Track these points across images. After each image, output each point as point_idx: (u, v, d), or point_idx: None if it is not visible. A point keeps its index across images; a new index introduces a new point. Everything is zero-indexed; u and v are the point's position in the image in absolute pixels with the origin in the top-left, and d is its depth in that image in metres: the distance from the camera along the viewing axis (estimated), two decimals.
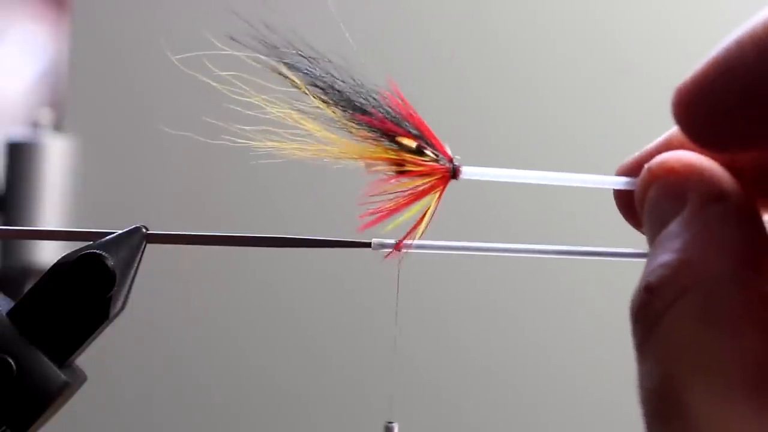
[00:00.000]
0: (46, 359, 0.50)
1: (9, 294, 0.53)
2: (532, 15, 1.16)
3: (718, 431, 0.35)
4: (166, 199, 1.18)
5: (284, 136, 0.50)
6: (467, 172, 0.50)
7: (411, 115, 0.50)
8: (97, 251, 0.51)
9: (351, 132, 0.50)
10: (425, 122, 0.50)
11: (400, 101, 0.50)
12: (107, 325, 0.51)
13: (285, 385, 1.16)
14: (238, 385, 1.16)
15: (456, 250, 0.51)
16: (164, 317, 1.17)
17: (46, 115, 1.21)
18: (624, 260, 0.51)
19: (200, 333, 1.17)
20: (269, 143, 0.50)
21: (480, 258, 1.07)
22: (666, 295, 0.38)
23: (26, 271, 1.18)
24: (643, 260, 0.48)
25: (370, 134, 0.50)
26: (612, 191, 0.46)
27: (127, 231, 0.52)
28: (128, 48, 1.19)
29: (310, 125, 0.50)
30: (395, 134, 0.50)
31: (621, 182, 0.46)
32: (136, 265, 0.52)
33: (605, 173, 0.47)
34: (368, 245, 0.52)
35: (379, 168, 0.50)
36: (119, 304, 0.51)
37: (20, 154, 1.20)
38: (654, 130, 0.46)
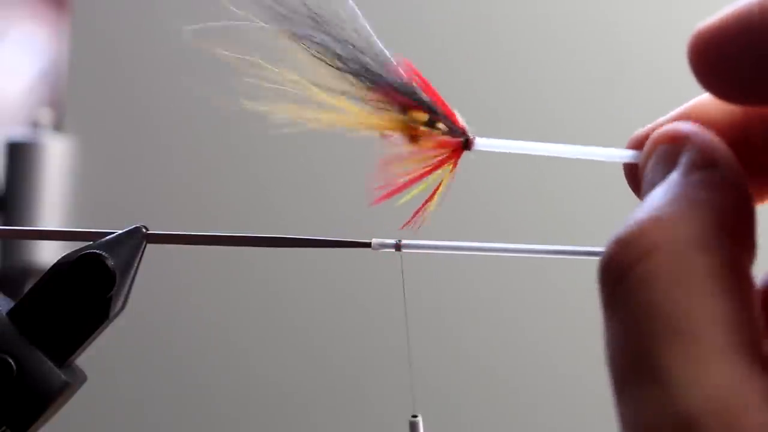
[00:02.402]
0: (46, 359, 0.50)
1: (9, 294, 0.53)
2: None
3: (696, 394, 0.35)
4: (166, 199, 1.18)
5: (298, 105, 0.50)
6: (480, 143, 0.49)
7: (424, 86, 0.50)
8: (97, 251, 0.51)
9: (365, 103, 0.50)
10: (438, 93, 0.49)
11: (412, 73, 0.50)
12: (107, 325, 0.51)
13: (281, 385, 1.16)
14: (237, 385, 1.16)
15: (456, 250, 0.51)
16: (164, 317, 1.17)
17: (46, 115, 1.21)
18: None
19: (200, 333, 1.17)
20: (283, 111, 0.50)
21: (481, 258, 1.07)
22: (635, 249, 0.38)
23: (26, 271, 1.18)
24: None
25: (383, 105, 0.50)
26: (622, 167, 0.47)
27: (127, 231, 0.52)
28: (128, 48, 1.19)
29: (325, 95, 0.50)
30: (408, 106, 0.50)
31: (629, 155, 0.46)
32: (136, 265, 0.52)
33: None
34: (368, 245, 0.52)
35: (392, 139, 0.50)
36: (119, 304, 0.51)
37: (20, 154, 1.20)
38: (666, 106, 0.46)
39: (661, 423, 0.35)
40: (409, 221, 0.50)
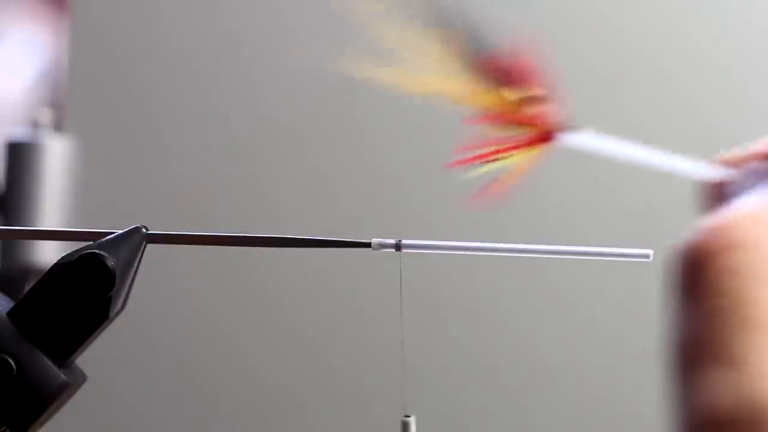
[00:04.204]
0: (46, 359, 0.50)
1: (9, 294, 0.53)
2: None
3: None
4: (166, 199, 1.18)
5: (403, 68, 0.49)
6: (577, 136, 0.49)
7: (539, 65, 0.49)
8: (97, 251, 0.51)
9: (475, 73, 0.49)
10: (552, 79, 0.49)
11: (533, 53, 0.49)
12: (107, 325, 0.51)
13: (281, 385, 1.16)
14: (237, 385, 1.16)
15: (456, 250, 0.51)
16: (164, 317, 1.17)
17: (46, 115, 1.21)
18: (624, 260, 0.51)
19: (200, 333, 1.17)
20: (390, 73, 0.49)
21: (480, 257, 1.07)
22: (729, 238, 0.38)
23: (26, 271, 1.18)
24: (643, 260, 0.49)
25: (493, 75, 0.49)
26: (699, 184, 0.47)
27: (127, 231, 0.52)
28: (128, 48, 1.19)
29: (432, 58, 0.49)
30: (518, 80, 0.49)
31: (722, 172, 0.46)
32: (136, 265, 0.52)
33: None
34: (368, 245, 0.52)
35: (491, 113, 0.49)
36: (119, 304, 0.51)
37: (20, 154, 1.20)
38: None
39: (735, 407, 0.35)
40: (487, 192, 0.49)
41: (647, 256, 0.50)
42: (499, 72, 0.48)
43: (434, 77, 0.49)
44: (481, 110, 0.49)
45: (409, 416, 0.53)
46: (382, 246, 0.52)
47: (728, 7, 1.13)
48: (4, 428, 0.49)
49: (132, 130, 1.19)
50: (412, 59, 0.48)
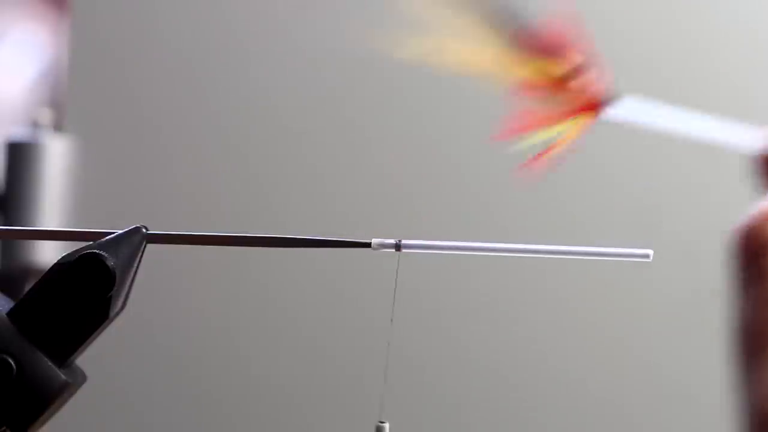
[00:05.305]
0: (46, 359, 0.50)
1: (9, 294, 0.53)
2: None
3: None
4: (166, 199, 1.18)
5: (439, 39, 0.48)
6: (624, 104, 0.47)
7: (581, 34, 0.48)
8: (97, 251, 0.51)
9: (515, 44, 0.48)
10: (593, 44, 0.47)
11: (574, 23, 0.48)
12: (107, 325, 0.51)
13: (281, 385, 1.16)
14: (237, 385, 1.16)
15: (457, 250, 0.51)
16: (164, 317, 1.17)
17: (46, 115, 1.21)
18: (624, 260, 0.51)
19: (200, 333, 1.17)
20: (424, 45, 0.47)
21: (479, 258, 1.07)
22: None
23: (26, 271, 1.18)
24: (643, 260, 0.48)
25: (535, 46, 0.48)
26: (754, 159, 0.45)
27: (127, 231, 0.52)
28: (128, 48, 1.19)
29: (470, 30, 0.47)
30: (561, 51, 0.48)
31: None
32: (136, 265, 0.52)
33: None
34: (368, 245, 0.52)
35: (534, 83, 0.48)
36: (119, 304, 0.51)
37: (20, 154, 1.20)
38: None
39: None
40: (530, 162, 0.48)
41: (647, 256, 0.50)
42: (539, 43, 0.47)
43: (471, 50, 0.47)
44: (522, 82, 0.47)
45: (383, 422, 0.52)
46: (382, 246, 0.52)
47: None
48: (4, 428, 0.49)
49: (132, 130, 1.19)
50: (446, 31, 0.47)
